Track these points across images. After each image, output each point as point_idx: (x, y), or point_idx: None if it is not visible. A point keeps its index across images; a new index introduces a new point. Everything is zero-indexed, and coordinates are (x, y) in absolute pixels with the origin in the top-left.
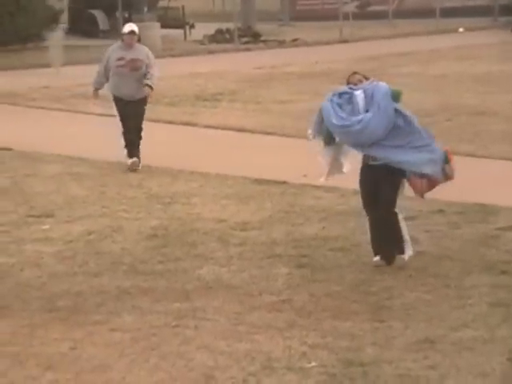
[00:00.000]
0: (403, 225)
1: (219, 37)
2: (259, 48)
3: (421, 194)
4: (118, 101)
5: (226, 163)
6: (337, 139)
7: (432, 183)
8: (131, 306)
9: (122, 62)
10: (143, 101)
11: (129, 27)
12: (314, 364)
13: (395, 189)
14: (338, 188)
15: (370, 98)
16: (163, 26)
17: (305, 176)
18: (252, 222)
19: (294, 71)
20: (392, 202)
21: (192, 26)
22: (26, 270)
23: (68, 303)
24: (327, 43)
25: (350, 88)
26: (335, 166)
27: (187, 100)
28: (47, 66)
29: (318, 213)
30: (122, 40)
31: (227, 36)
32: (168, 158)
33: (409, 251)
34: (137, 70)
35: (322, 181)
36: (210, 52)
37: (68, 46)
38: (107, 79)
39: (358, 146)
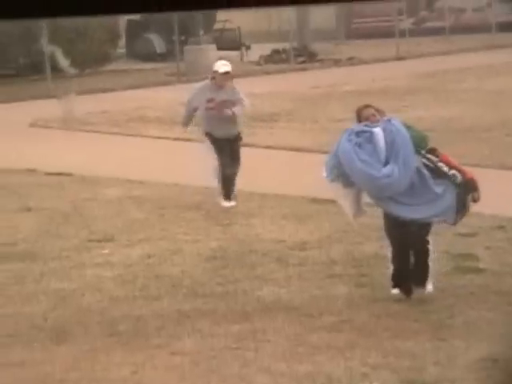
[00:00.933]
0: (431, 255)
1: (275, 57)
2: (315, 67)
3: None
4: (213, 140)
5: (283, 183)
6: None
7: (463, 214)
8: (191, 328)
9: (211, 105)
10: (239, 138)
11: (224, 66)
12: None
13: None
14: None
15: (390, 143)
16: (219, 48)
17: None
18: (311, 241)
19: (350, 90)
20: (426, 232)
21: (248, 47)
22: (87, 294)
23: (128, 327)
24: (384, 60)
25: (366, 125)
26: (359, 208)
27: (244, 121)
28: (105, 90)
29: (376, 231)
30: (213, 78)
31: (283, 56)
32: None
33: (429, 286)
34: (228, 114)
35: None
36: (266, 72)
37: (126, 70)
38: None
39: (375, 198)
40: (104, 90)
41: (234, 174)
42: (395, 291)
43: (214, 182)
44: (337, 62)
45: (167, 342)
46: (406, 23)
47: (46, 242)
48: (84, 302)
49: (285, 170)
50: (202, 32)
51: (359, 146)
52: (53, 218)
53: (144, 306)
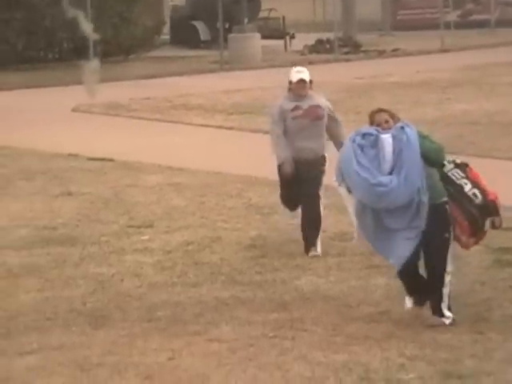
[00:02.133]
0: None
1: (319, 47)
2: (359, 58)
3: (466, 247)
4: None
5: (325, 173)
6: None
7: (479, 238)
8: (229, 316)
9: (299, 112)
10: (323, 160)
11: (297, 74)
12: (412, 376)
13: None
14: None
15: (398, 153)
16: (263, 37)
17: None
18: (350, 232)
19: (394, 81)
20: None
21: (292, 37)
22: (126, 280)
23: (167, 313)
24: (428, 53)
25: (376, 130)
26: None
27: None
28: (149, 77)
29: None
30: (289, 90)
31: (327, 46)
32: (267, 169)
33: (447, 318)
34: (320, 119)
35: (354, 243)
36: (310, 62)
37: (170, 56)
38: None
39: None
40: (147, 77)
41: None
42: (408, 302)
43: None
44: (381, 53)
45: (205, 329)
46: (452, 15)
47: (85, 226)
48: (123, 288)
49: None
50: (246, 20)
51: (362, 148)
52: (93, 203)
53: (182, 293)
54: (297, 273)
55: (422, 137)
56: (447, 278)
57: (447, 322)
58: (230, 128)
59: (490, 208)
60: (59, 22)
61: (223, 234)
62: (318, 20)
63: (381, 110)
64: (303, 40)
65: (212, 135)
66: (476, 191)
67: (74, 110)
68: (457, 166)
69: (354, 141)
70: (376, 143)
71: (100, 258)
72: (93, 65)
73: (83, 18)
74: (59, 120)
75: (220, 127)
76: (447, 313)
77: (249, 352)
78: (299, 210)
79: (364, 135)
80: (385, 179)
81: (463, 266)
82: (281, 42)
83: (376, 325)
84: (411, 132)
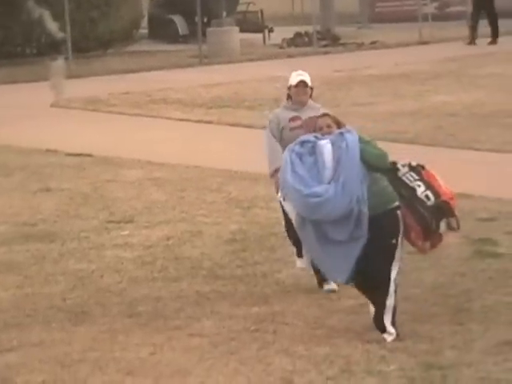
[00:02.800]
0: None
1: (298, 40)
2: (338, 51)
3: (424, 252)
4: None
5: None
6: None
7: (436, 241)
8: (210, 310)
9: (297, 123)
10: None
11: (297, 76)
12: (392, 367)
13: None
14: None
15: (337, 160)
16: (242, 31)
17: None
18: None
19: (373, 74)
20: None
21: (271, 30)
22: (106, 275)
23: (147, 308)
24: (407, 45)
25: (315, 136)
26: None
27: (267, 104)
28: (128, 71)
29: None
30: (288, 97)
31: (306, 39)
32: (247, 163)
33: (389, 335)
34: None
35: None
36: (289, 56)
37: (148, 51)
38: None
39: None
40: (126, 71)
41: None
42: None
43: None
44: (360, 46)
45: (186, 324)
46: (430, 7)
47: (65, 222)
48: (103, 283)
49: None
50: (224, 14)
51: (300, 157)
52: (73, 199)
53: (163, 288)
54: (278, 266)
55: (364, 142)
56: (392, 288)
57: (389, 339)
58: (209, 122)
59: (443, 209)
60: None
61: (203, 228)
62: (297, 13)
63: (324, 115)
64: (282, 33)
65: (191, 129)
66: (429, 193)
67: (52, 105)
68: (411, 168)
69: (292, 150)
70: (314, 150)
71: (80, 254)
72: (59, 63)
73: (48, 16)
74: (37, 115)
75: (199, 121)
76: (391, 329)
77: (230, 346)
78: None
79: (303, 143)
80: (320, 189)
81: (443, 257)
82: (259, 36)
83: (357, 317)
84: (351, 138)
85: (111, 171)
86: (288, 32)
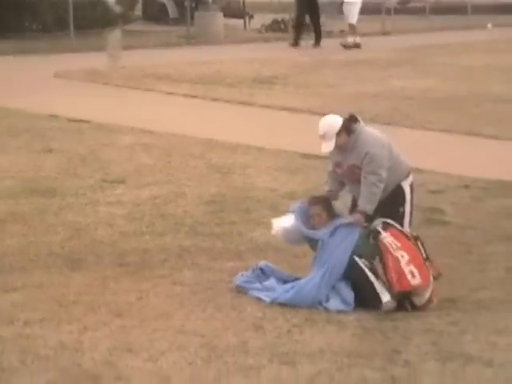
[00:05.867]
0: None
1: (275, 26)
2: (310, 37)
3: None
4: None
5: (278, 139)
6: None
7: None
8: (191, 262)
9: (340, 169)
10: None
11: (321, 129)
12: (351, 318)
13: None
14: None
15: (318, 257)
16: (226, 16)
17: None
18: (299, 191)
19: (340, 59)
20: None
21: (251, 17)
22: (100, 228)
23: (136, 259)
24: (371, 35)
25: (313, 229)
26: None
27: (245, 82)
28: (125, 48)
29: None
30: None
31: (282, 26)
32: (227, 133)
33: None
34: (358, 182)
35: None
36: (266, 40)
37: (142, 31)
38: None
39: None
40: (123, 48)
41: None
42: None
43: (215, 135)
44: (329, 34)
45: (169, 273)
46: (392, 2)
47: (65, 180)
48: (97, 235)
49: (280, 128)
50: (211, 0)
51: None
52: (72, 160)
53: (150, 241)
54: (252, 226)
55: (362, 238)
56: (368, 272)
57: (389, 306)
58: (195, 96)
59: (400, 296)
60: None
61: (187, 189)
62: (275, 2)
63: (316, 202)
64: (261, 20)
65: (178, 102)
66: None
67: (55, 75)
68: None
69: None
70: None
71: (77, 209)
72: (115, 35)
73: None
74: (42, 84)
75: (186, 95)
76: (384, 298)
77: (207, 294)
78: None
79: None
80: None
81: None
82: (241, 21)
83: None
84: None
85: (107, 136)
86: (266, 19)
